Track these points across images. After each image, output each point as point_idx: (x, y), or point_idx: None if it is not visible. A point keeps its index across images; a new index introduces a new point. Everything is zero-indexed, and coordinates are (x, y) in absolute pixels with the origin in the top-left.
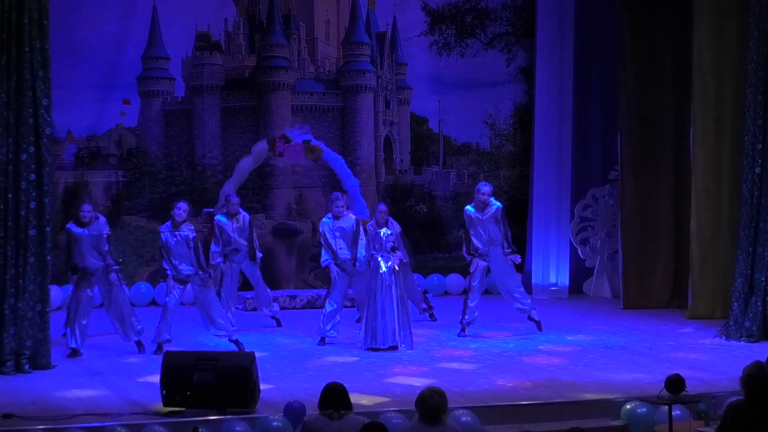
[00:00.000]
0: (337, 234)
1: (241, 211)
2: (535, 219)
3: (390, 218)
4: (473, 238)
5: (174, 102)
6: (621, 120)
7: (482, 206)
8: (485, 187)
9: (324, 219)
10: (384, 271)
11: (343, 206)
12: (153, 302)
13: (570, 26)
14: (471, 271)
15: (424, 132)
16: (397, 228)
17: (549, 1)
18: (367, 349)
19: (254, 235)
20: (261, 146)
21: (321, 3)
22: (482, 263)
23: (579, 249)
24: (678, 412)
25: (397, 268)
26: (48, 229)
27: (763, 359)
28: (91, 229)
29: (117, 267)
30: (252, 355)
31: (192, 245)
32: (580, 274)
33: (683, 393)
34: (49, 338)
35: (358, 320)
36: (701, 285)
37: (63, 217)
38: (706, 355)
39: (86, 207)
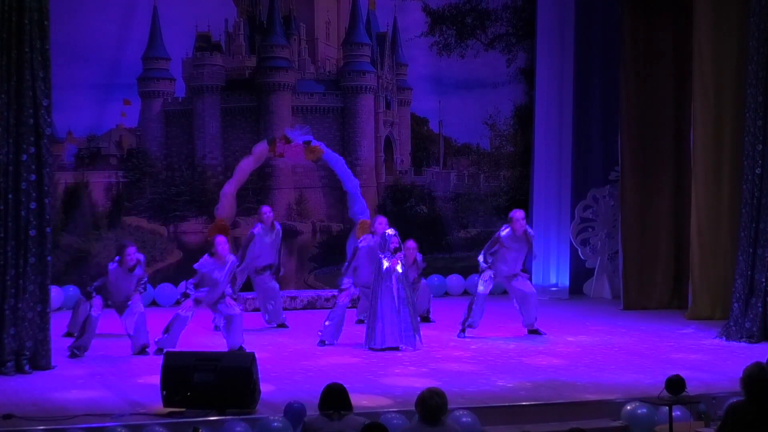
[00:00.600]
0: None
1: (276, 223)
2: (535, 220)
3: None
4: (500, 264)
5: (174, 102)
6: (621, 121)
7: (519, 232)
8: (519, 213)
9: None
10: (385, 272)
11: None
12: (153, 302)
13: (570, 27)
14: (483, 279)
15: (425, 133)
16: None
17: (549, 1)
18: (368, 349)
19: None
20: (261, 147)
21: (321, 4)
22: (493, 274)
23: (579, 250)
24: (678, 412)
25: (399, 269)
26: (48, 229)
27: (764, 360)
28: (134, 272)
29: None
30: (252, 356)
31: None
32: (580, 274)
33: (683, 394)
34: (49, 339)
35: (358, 321)
36: (701, 286)
37: (63, 217)
38: (707, 355)
39: (131, 250)
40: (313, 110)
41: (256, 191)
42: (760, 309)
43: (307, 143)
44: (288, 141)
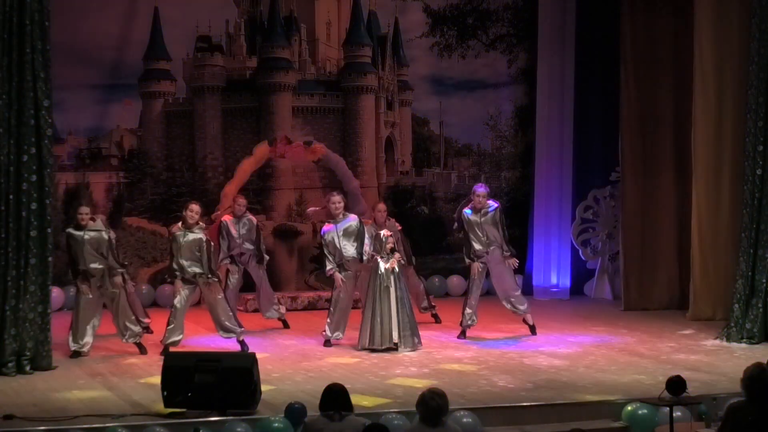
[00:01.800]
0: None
1: (247, 213)
2: (536, 220)
3: (390, 218)
4: (472, 242)
5: (175, 103)
6: (622, 121)
7: (480, 208)
8: (481, 189)
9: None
10: (382, 272)
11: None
12: (154, 303)
13: (571, 27)
14: (472, 276)
15: (425, 133)
16: (397, 227)
17: (550, 2)
18: (364, 349)
19: (261, 237)
20: (262, 147)
21: (322, 4)
22: (481, 266)
23: (580, 250)
24: (679, 413)
25: (396, 268)
26: (49, 230)
27: (764, 361)
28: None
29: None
30: (253, 356)
31: (204, 247)
32: (581, 275)
33: (684, 394)
34: (50, 339)
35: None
36: (702, 286)
37: (64, 218)
38: (707, 356)
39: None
40: (314, 111)
41: (257, 192)
42: (760, 310)
43: (307, 144)
44: (289, 142)
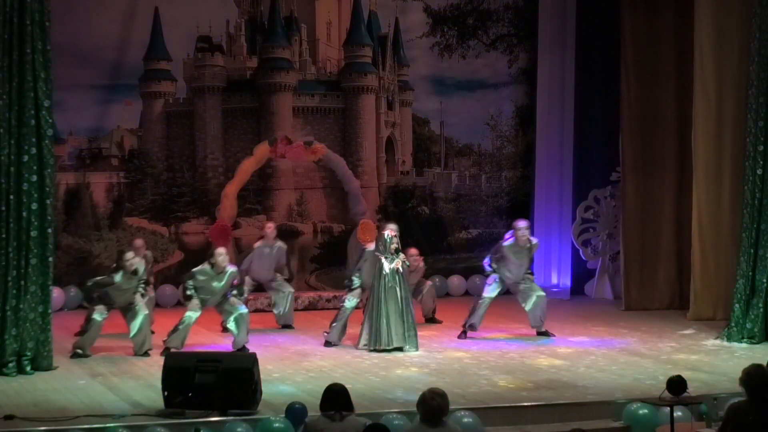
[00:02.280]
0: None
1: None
2: (536, 220)
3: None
4: (506, 271)
5: (175, 103)
6: (622, 121)
7: (523, 243)
8: (522, 223)
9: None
10: (387, 273)
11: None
12: (155, 304)
13: (571, 27)
14: (488, 284)
15: (426, 133)
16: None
17: (550, 2)
18: (371, 350)
19: (289, 260)
20: (262, 147)
21: (322, 4)
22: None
23: (581, 250)
24: (679, 413)
25: (400, 269)
26: (50, 230)
27: (765, 361)
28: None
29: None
30: (254, 356)
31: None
32: (581, 275)
33: (685, 394)
34: (50, 339)
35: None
36: (703, 286)
37: (64, 218)
38: (708, 356)
39: (129, 255)
40: (314, 111)
41: (257, 192)
42: (761, 310)
43: (308, 144)
44: (289, 142)
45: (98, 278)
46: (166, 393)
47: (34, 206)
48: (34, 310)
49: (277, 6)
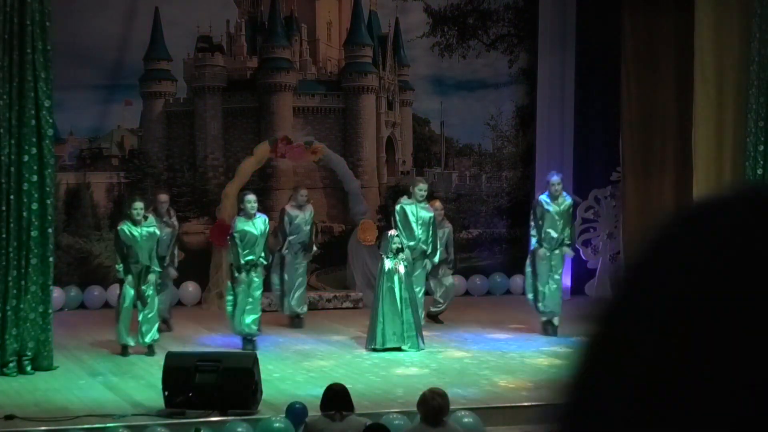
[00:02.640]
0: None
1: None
2: None
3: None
4: (549, 229)
5: (176, 103)
6: (623, 121)
7: (556, 196)
8: (556, 177)
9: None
10: (387, 273)
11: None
12: None
13: (572, 27)
14: (531, 262)
15: (426, 133)
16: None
17: (551, 2)
18: (370, 349)
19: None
20: (263, 147)
21: (323, 4)
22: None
23: (581, 250)
24: None
25: (402, 269)
26: (50, 230)
27: None
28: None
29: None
30: (254, 356)
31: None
32: (582, 275)
33: None
34: (51, 339)
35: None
36: None
37: (65, 218)
38: None
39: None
40: (315, 111)
41: (258, 192)
42: None
43: (308, 144)
44: (289, 142)
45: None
46: (166, 393)
47: (34, 206)
48: (34, 310)
49: (278, 6)
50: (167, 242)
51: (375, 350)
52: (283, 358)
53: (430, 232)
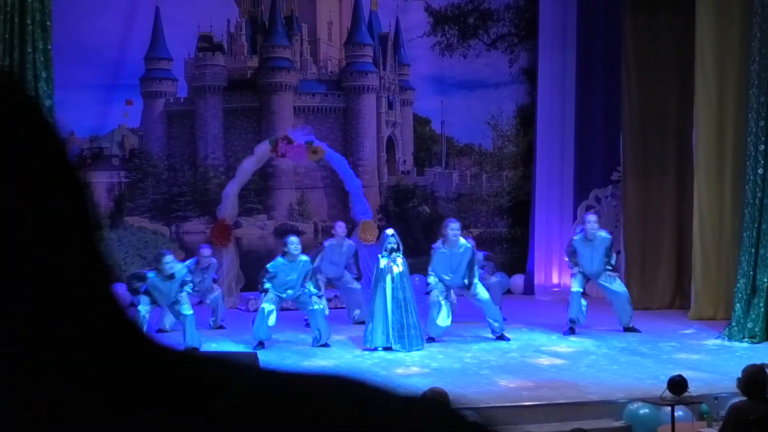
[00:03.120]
0: None
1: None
2: (537, 220)
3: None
4: (580, 266)
5: (176, 103)
6: (623, 121)
7: (592, 236)
8: (592, 216)
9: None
10: (380, 272)
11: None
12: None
13: (572, 27)
14: (572, 276)
15: (427, 133)
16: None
17: (551, 1)
18: (364, 349)
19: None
20: (263, 147)
21: (323, 4)
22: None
23: None
24: (680, 413)
25: (396, 269)
26: None
27: (766, 360)
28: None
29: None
30: (255, 356)
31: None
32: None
33: (686, 394)
34: None
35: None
36: (704, 286)
37: None
38: (709, 356)
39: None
40: (315, 110)
41: (258, 191)
42: (762, 309)
43: (309, 143)
44: (290, 141)
45: (137, 271)
46: None
47: None
48: None
49: (278, 5)
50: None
51: (367, 350)
52: (284, 358)
53: (467, 268)
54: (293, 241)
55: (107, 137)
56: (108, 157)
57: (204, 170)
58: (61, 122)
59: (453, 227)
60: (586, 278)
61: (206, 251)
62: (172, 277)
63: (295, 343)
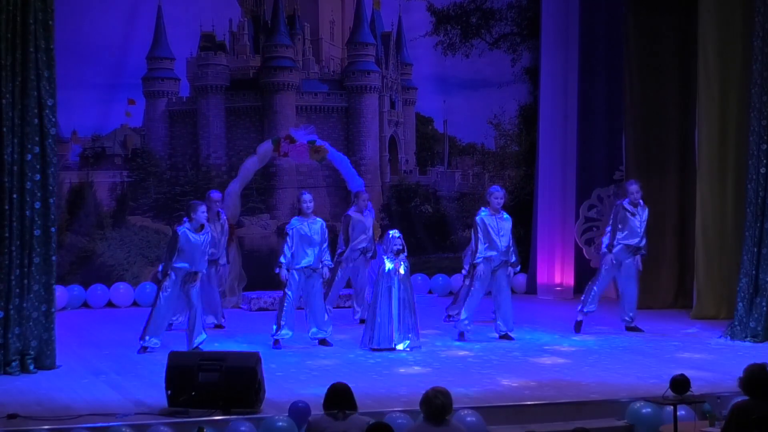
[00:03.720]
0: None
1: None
2: (540, 219)
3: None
4: (629, 236)
5: (179, 102)
6: (626, 120)
7: (635, 205)
8: (634, 185)
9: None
10: (386, 273)
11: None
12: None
13: (575, 26)
14: (605, 266)
15: (429, 132)
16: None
17: (553, 1)
18: (366, 349)
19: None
20: (266, 146)
21: (325, 3)
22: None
23: (584, 249)
24: (683, 412)
25: (402, 270)
26: (53, 229)
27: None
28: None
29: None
30: (257, 356)
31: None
32: (585, 274)
33: (688, 393)
34: (53, 338)
35: (361, 321)
36: (706, 285)
37: (68, 217)
38: (711, 355)
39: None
40: (318, 110)
41: (261, 191)
42: (764, 308)
43: (311, 143)
44: (292, 141)
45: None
46: (169, 392)
47: (37, 205)
48: (37, 309)
49: (280, 5)
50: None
51: (373, 350)
52: (286, 357)
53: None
54: (305, 199)
55: (109, 137)
56: (110, 156)
57: (206, 170)
58: (64, 121)
59: (497, 195)
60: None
61: (216, 195)
62: (202, 227)
63: (298, 342)
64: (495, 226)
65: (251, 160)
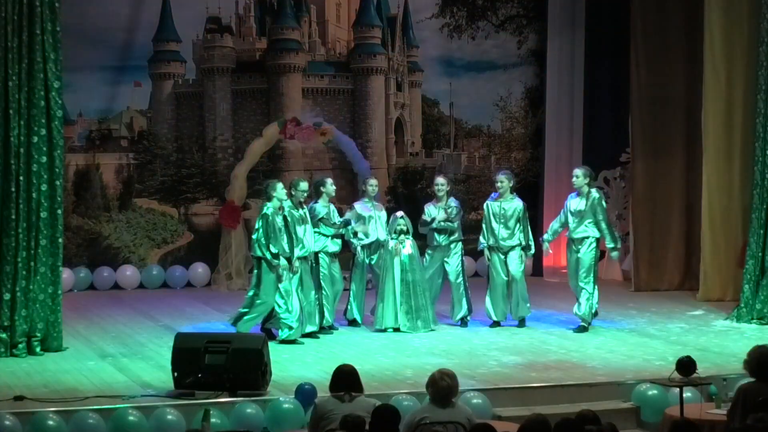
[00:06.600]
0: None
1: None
2: (546, 201)
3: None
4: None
5: (185, 84)
6: (632, 102)
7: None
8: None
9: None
10: (389, 253)
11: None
12: (164, 285)
13: (581, 8)
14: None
15: (435, 114)
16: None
17: None
18: (375, 330)
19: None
20: (272, 129)
21: None
22: None
23: None
24: (689, 394)
25: (405, 251)
26: (59, 211)
27: None
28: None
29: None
30: (263, 337)
31: None
32: None
33: (694, 375)
34: (60, 321)
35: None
36: (712, 267)
37: (74, 199)
38: (717, 337)
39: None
40: (324, 92)
41: (267, 173)
42: None
43: (317, 125)
44: (298, 123)
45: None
46: (175, 374)
47: (43, 187)
48: (44, 291)
49: None
50: None
51: (377, 330)
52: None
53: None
54: (372, 182)
55: (116, 119)
56: (116, 138)
57: (212, 152)
58: (70, 104)
59: (501, 179)
60: None
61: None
62: (301, 205)
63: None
64: (498, 213)
65: (257, 143)
